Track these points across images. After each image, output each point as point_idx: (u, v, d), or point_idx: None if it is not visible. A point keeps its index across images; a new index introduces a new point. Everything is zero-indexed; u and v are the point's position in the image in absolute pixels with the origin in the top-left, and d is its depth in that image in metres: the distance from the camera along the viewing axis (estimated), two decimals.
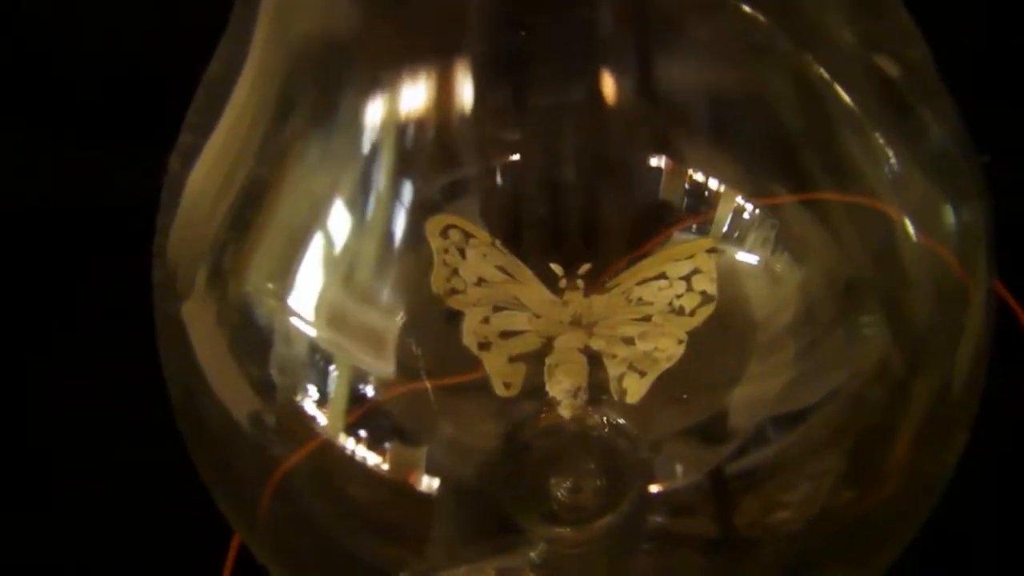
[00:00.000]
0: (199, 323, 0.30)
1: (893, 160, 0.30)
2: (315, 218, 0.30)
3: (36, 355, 0.48)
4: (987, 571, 0.39)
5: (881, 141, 0.30)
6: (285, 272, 0.30)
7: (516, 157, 0.32)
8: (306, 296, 0.30)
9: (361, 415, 0.31)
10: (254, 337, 0.30)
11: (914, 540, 0.31)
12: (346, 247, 0.30)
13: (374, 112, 0.29)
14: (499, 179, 0.32)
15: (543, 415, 0.34)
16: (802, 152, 0.31)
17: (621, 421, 0.34)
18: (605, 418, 0.34)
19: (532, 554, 0.33)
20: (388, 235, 0.30)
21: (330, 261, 0.30)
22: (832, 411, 0.30)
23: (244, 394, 0.30)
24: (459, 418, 0.33)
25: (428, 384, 0.32)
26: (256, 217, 0.30)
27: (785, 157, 0.31)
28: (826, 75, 0.30)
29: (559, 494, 0.34)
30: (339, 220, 0.30)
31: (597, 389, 0.31)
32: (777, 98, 0.30)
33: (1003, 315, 0.40)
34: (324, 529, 0.32)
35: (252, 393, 0.30)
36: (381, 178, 0.29)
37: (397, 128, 0.29)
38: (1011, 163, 0.35)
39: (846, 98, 0.30)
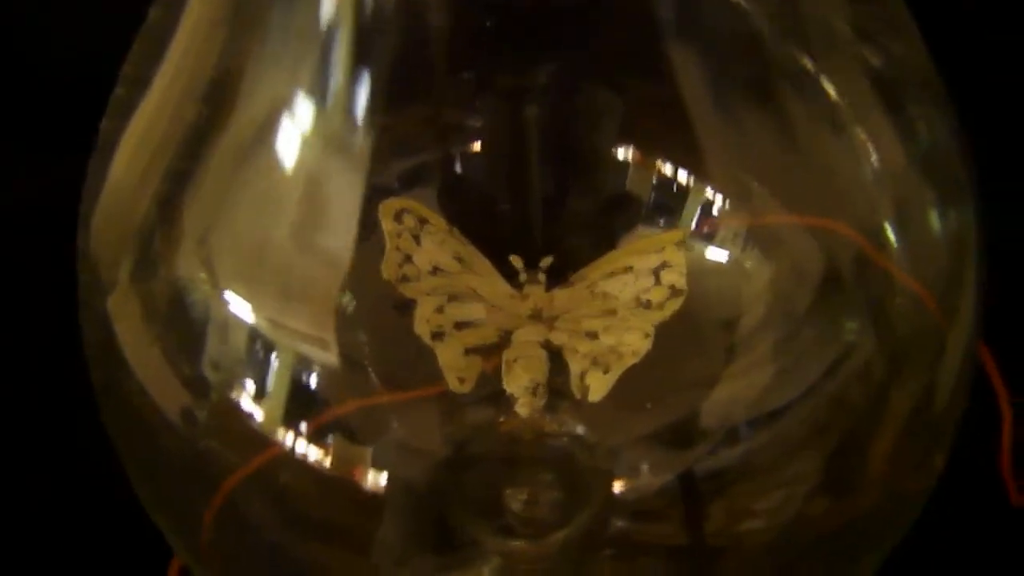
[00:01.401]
0: (126, 316, 0.29)
1: (875, 158, 0.29)
2: (253, 175, 0.29)
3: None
4: None
5: (866, 139, 0.29)
6: (221, 251, 0.29)
7: (477, 145, 0.31)
8: (244, 276, 0.29)
9: (322, 422, 0.30)
10: (187, 329, 0.29)
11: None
12: (287, 208, 0.29)
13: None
14: (458, 167, 0.31)
15: (501, 423, 0.33)
16: (779, 150, 0.30)
17: (581, 430, 0.33)
18: (564, 427, 0.33)
19: (486, 569, 0.32)
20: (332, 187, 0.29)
21: (271, 233, 0.29)
22: (808, 412, 0.30)
23: (176, 391, 0.29)
24: (411, 422, 0.32)
25: (383, 394, 0.31)
26: (189, 189, 0.29)
27: (761, 154, 0.30)
28: (811, 67, 0.29)
29: (514, 506, 0.33)
30: (278, 179, 0.28)
31: (557, 396, 0.30)
32: (756, 92, 0.29)
33: None
34: (269, 539, 0.31)
35: (184, 390, 0.29)
36: (338, 75, 0.28)
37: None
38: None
39: (830, 91, 0.29)
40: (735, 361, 0.30)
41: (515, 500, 0.33)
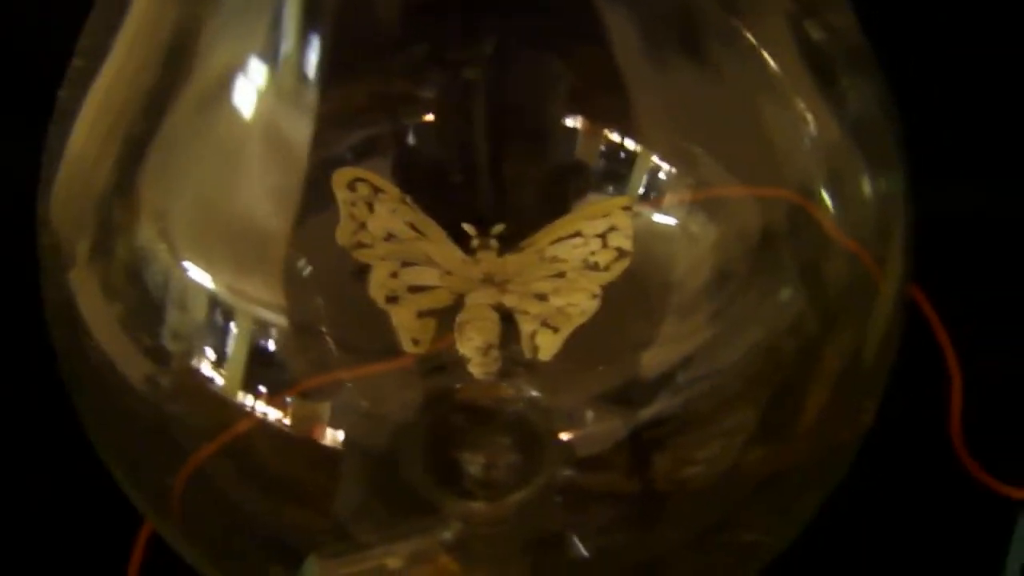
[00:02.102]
0: (87, 289, 0.30)
1: (812, 126, 0.30)
2: (206, 142, 0.29)
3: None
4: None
5: (802, 107, 0.30)
6: (178, 220, 0.29)
7: (428, 116, 0.31)
8: (200, 244, 0.29)
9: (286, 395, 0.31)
10: (147, 299, 0.30)
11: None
12: (238, 174, 0.29)
13: None
14: (410, 138, 0.31)
15: (459, 389, 0.34)
16: (720, 117, 0.30)
17: (535, 394, 0.34)
18: (519, 392, 0.34)
19: (446, 534, 0.33)
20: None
21: (224, 199, 0.30)
22: (745, 367, 0.30)
23: (138, 360, 0.30)
24: (370, 389, 0.33)
25: (341, 358, 0.32)
26: (146, 159, 0.29)
27: (702, 121, 0.31)
28: (752, 40, 0.29)
29: (472, 470, 0.34)
30: (230, 145, 0.29)
31: (512, 363, 0.31)
32: (695, 60, 0.30)
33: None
34: (235, 501, 0.31)
35: (146, 359, 0.30)
36: (289, 43, 0.28)
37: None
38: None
39: (770, 63, 0.29)
40: (679, 321, 0.31)
41: (473, 464, 0.34)
